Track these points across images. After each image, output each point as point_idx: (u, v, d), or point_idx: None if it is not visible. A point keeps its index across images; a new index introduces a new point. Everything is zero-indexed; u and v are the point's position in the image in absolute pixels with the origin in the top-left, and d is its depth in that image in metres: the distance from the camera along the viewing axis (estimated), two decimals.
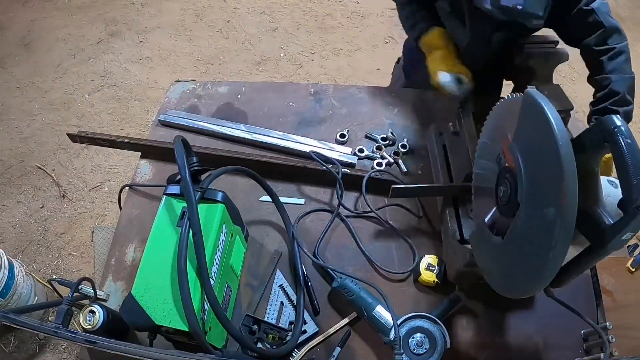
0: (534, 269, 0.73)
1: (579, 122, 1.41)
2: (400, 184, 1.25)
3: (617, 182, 0.70)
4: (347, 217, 1.23)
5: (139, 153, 1.36)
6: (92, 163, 2.46)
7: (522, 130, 0.78)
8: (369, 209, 1.21)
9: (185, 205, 0.91)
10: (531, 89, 0.74)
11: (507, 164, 0.82)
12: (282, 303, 1.10)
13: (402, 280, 1.15)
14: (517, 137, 0.79)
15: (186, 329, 0.84)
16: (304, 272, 1.11)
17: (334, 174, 1.22)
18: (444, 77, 1.19)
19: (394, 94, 1.49)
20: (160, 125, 1.41)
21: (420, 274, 1.11)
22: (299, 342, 1.02)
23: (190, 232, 0.87)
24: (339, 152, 1.33)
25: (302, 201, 1.26)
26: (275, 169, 1.27)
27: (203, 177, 1.00)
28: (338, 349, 1.03)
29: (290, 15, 3.12)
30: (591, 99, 1.14)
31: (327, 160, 1.27)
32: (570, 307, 0.94)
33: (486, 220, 0.89)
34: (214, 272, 0.94)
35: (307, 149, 1.31)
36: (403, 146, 1.35)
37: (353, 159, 1.31)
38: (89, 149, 2.48)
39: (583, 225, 0.70)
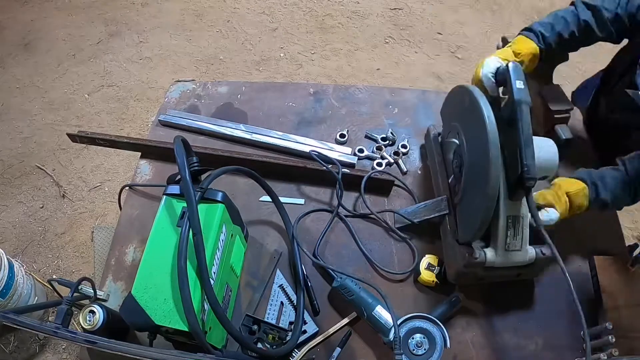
0: (475, 219, 0.98)
1: (578, 121, 1.41)
2: (399, 184, 1.26)
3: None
4: (346, 217, 1.23)
5: (139, 153, 1.36)
6: (92, 163, 2.46)
7: (462, 113, 1.05)
8: (369, 210, 1.21)
9: (185, 205, 0.91)
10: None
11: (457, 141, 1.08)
12: (282, 303, 1.10)
13: (402, 281, 1.15)
14: (460, 119, 1.08)
15: (186, 329, 0.84)
16: (304, 272, 1.11)
17: (334, 174, 1.22)
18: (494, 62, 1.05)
19: (394, 94, 1.49)
20: (160, 125, 1.41)
21: (420, 274, 1.11)
22: (299, 342, 1.02)
23: (190, 232, 0.87)
24: (339, 152, 1.33)
25: (302, 201, 1.26)
26: (275, 169, 1.27)
27: (203, 177, 1.00)
28: (338, 349, 1.03)
29: (290, 15, 3.12)
30: None
31: (327, 160, 1.27)
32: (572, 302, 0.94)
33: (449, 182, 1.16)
34: (214, 272, 0.94)
35: (307, 149, 1.30)
36: (403, 146, 1.35)
37: (353, 159, 1.31)
38: (89, 149, 2.48)
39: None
